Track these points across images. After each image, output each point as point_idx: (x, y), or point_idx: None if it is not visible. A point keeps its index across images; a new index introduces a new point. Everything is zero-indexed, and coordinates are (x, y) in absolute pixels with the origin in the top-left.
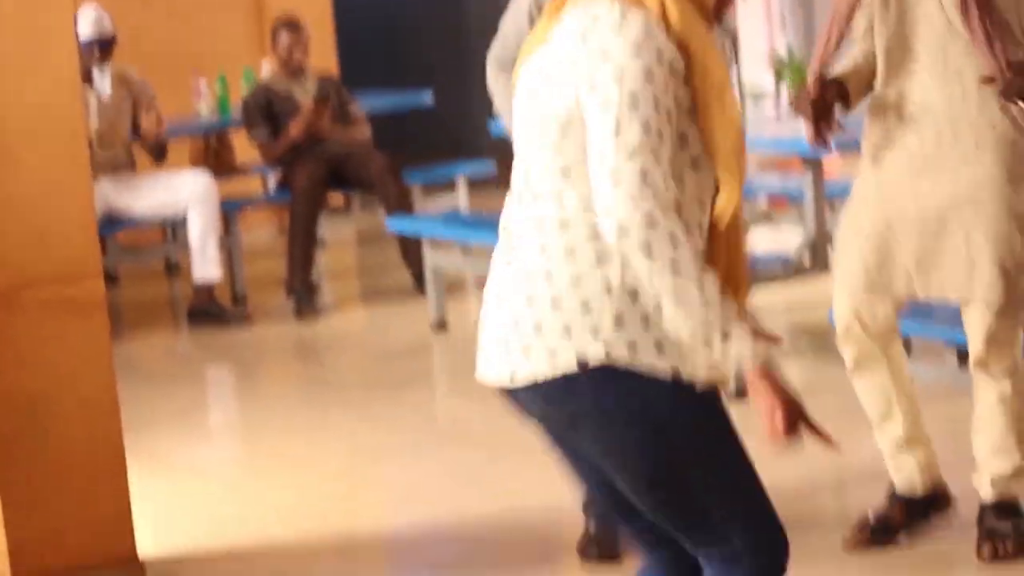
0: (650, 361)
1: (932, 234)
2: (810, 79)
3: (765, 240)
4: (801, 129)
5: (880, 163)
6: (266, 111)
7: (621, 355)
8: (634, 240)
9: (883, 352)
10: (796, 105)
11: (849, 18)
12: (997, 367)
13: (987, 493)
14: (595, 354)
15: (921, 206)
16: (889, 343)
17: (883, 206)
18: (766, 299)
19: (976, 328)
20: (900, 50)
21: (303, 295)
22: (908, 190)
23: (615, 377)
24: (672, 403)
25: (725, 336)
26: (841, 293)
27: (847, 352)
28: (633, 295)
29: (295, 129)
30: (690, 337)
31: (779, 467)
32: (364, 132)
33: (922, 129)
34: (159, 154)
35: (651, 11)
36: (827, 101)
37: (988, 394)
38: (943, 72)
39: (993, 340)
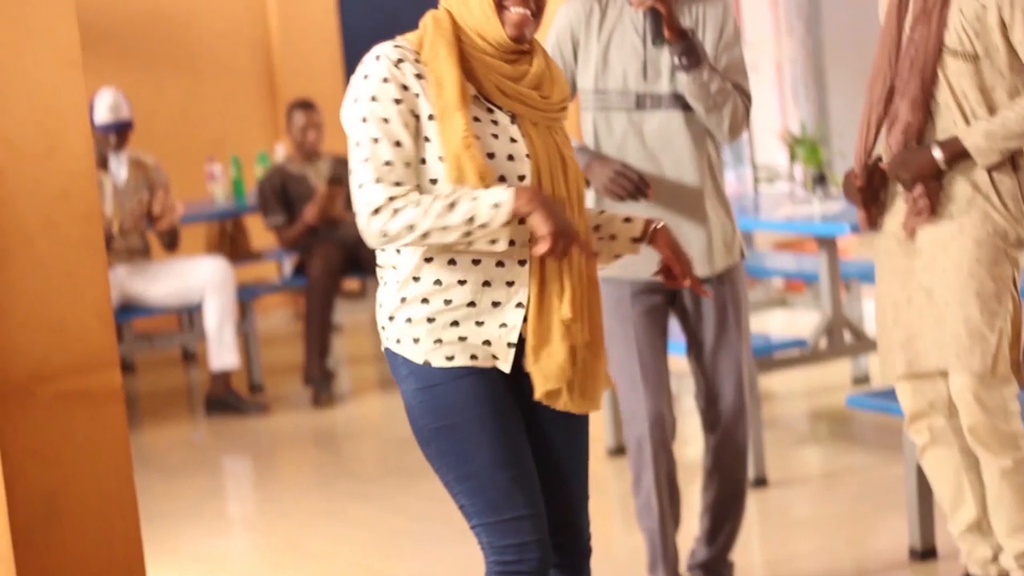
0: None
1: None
2: (856, 167)
3: (780, 323)
4: (814, 209)
5: (886, 235)
6: (281, 195)
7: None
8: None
9: (953, 429)
10: (846, 192)
11: (886, 103)
12: (993, 440)
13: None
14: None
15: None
16: (958, 419)
17: (899, 278)
18: (783, 384)
19: (961, 397)
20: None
21: (320, 383)
22: (905, 262)
23: (393, 360)
24: (414, 387)
25: (495, 207)
26: (888, 377)
27: (916, 434)
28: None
29: (310, 213)
30: (463, 235)
31: (802, 560)
32: None
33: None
34: (171, 242)
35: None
36: (874, 186)
37: (991, 469)
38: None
39: (983, 410)
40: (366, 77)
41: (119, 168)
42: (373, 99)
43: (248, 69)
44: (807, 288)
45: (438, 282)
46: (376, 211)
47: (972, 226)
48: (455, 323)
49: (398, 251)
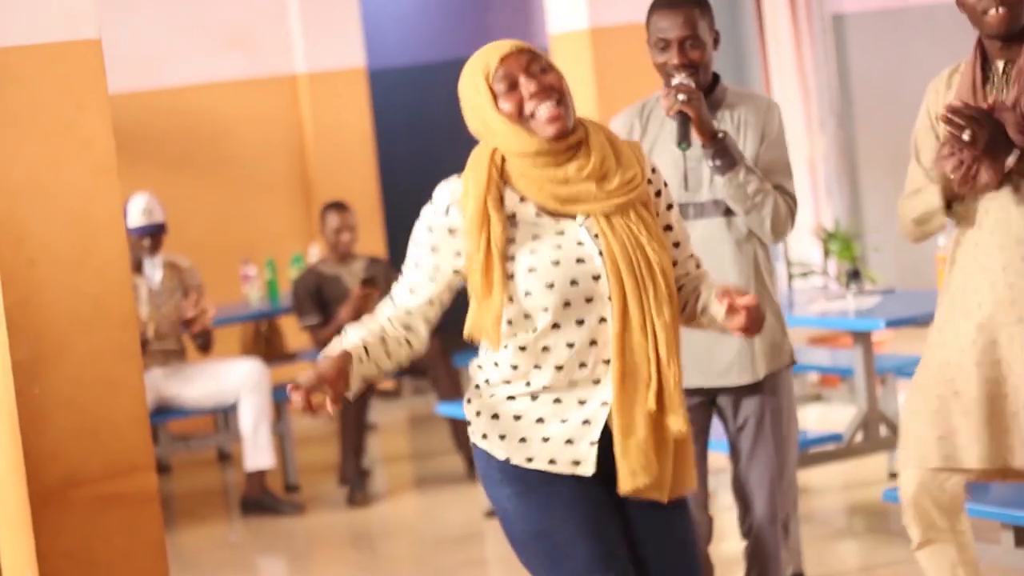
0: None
1: (999, 399)
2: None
3: (816, 418)
4: (848, 304)
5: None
6: (316, 296)
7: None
8: None
9: (951, 528)
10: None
11: None
12: None
13: None
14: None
15: (984, 372)
16: (957, 518)
17: (947, 370)
18: (819, 478)
19: None
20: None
21: (356, 482)
22: (970, 354)
23: (478, 455)
24: (505, 492)
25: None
26: (907, 465)
27: (913, 528)
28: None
29: (344, 314)
30: None
31: None
32: None
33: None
34: (204, 344)
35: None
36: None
37: None
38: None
39: None
40: (424, 218)
41: (154, 271)
42: (425, 233)
43: (282, 172)
44: (842, 383)
45: (526, 382)
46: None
47: None
48: (540, 420)
49: (486, 349)
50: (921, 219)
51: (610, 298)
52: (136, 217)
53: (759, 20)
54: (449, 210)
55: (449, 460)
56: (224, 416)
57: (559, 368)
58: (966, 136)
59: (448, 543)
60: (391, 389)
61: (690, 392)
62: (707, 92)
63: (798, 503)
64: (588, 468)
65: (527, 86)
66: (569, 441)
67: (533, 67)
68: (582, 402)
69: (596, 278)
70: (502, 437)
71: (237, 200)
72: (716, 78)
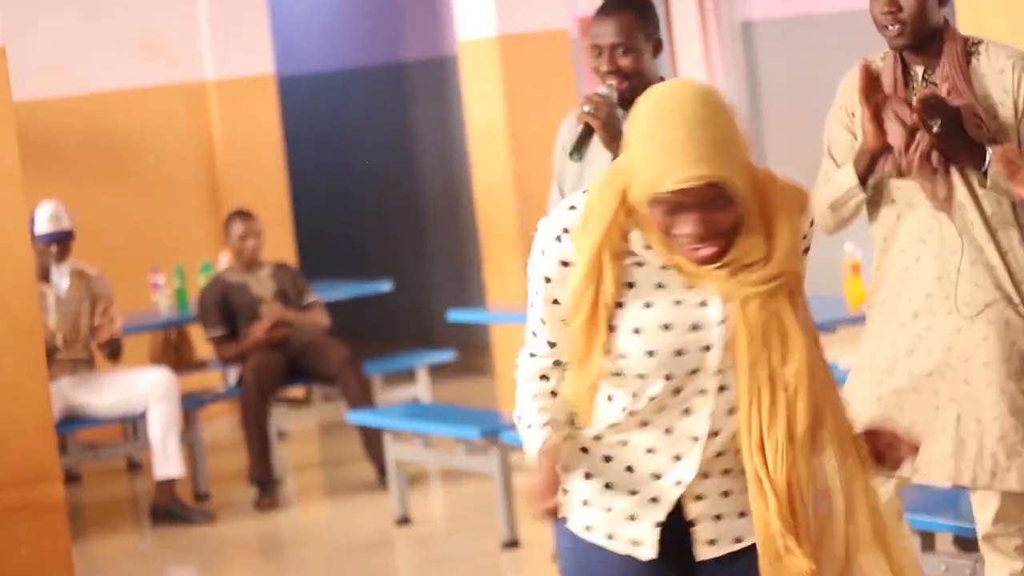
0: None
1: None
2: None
3: None
4: None
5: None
6: (222, 305)
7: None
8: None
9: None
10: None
11: None
12: (1007, 544)
13: None
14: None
15: (914, 375)
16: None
17: (884, 369)
18: None
19: (983, 505)
20: None
21: (264, 486)
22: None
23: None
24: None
25: (529, 426)
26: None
27: None
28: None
29: (253, 338)
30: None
31: None
32: (322, 318)
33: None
34: (113, 353)
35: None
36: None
37: (999, 571)
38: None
39: (1002, 517)
40: (538, 242)
41: (61, 279)
42: (541, 256)
43: (192, 179)
44: None
45: (596, 436)
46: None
47: (996, 337)
48: (608, 486)
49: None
50: (836, 203)
51: (718, 372)
52: (43, 224)
53: (668, 27)
54: (563, 236)
55: (359, 468)
56: (133, 425)
57: (644, 425)
58: (936, 128)
59: (358, 551)
60: (301, 397)
61: None
62: None
63: None
64: (647, 551)
65: (684, 226)
66: (632, 517)
67: (715, 202)
68: (657, 476)
69: (706, 349)
70: (564, 491)
71: (146, 207)
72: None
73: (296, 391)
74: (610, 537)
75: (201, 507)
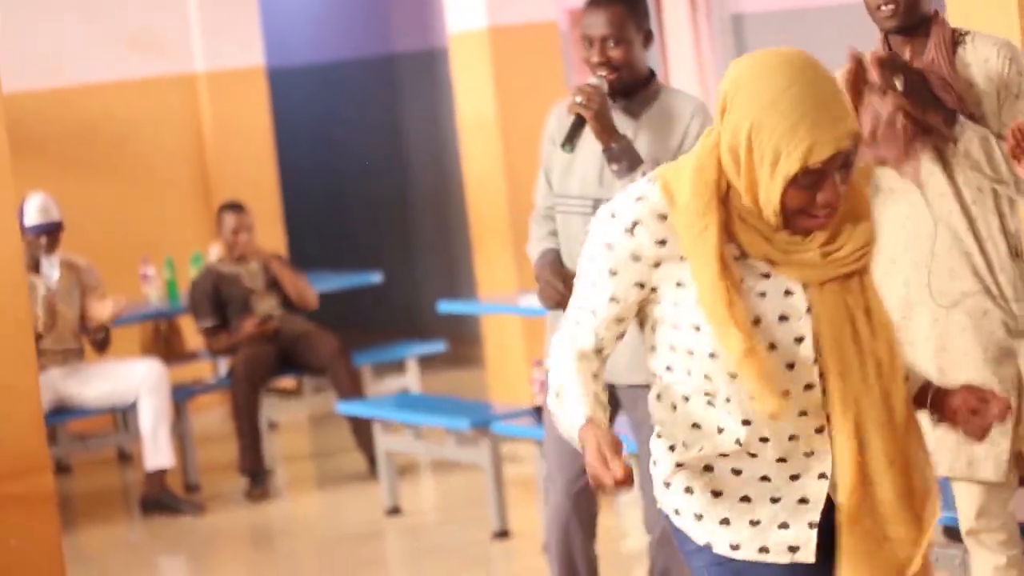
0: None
1: None
2: None
3: None
4: None
5: None
6: (213, 296)
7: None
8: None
9: None
10: None
11: None
12: (991, 539)
13: None
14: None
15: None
16: None
17: None
18: None
19: (965, 500)
20: None
21: (255, 477)
22: None
23: (675, 532)
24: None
25: (569, 402)
26: None
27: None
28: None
29: (245, 332)
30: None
31: None
32: (312, 297)
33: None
34: (101, 344)
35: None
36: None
37: (984, 565)
38: None
39: (984, 512)
40: (601, 233)
41: (51, 271)
42: (606, 249)
43: (182, 171)
44: None
45: (723, 454)
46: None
47: (974, 328)
48: (746, 498)
49: (674, 405)
50: None
51: (815, 362)
52: (32, 216)
53: (659, 20)
54: (636, 229)
55: (350, 458)
56: (123, 416)
57: (764, 441)
58: (899, 84)
59: (349, 541)
60: (291, 388)
61: None
62: (636, 90)
63: None
64: (808, 554)
65: (832, 191)
66: (784, 525)
67: (850, 160)
68: (794, 477)
69: (799, 340)
70: (699, 517)
71: (136, 199)
72: (651, 76)
73: (287, 382)
74: (763, 550)
75: (191, 498)
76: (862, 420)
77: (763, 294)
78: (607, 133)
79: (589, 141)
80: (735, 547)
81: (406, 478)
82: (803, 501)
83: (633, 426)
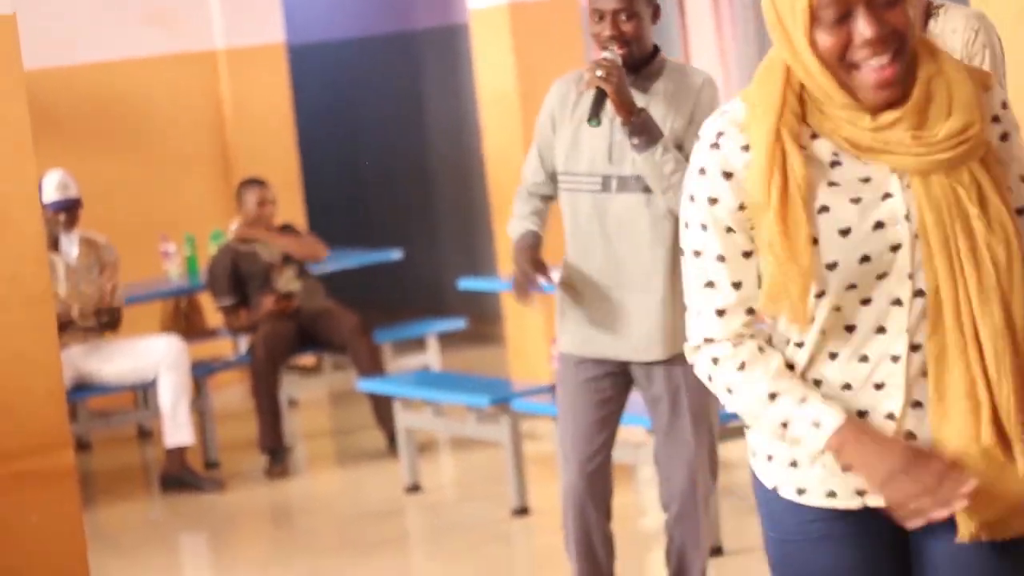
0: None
1: None
2: None
3: None
4: None
5: None
6: (232, 274)
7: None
8: None
9: None
10: None
11: None
12: None
13: None
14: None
15: None
16: None
17: None
18: (739, 452)
19: None
20: None
21: (275, 454)
22: None
23: (753, 479)
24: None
25: (816, 426)
26: None
27: None
28: None
29: (264, 309)
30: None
31: None
32: (321, 249)
33: None
34: (110, 323)
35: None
36: None
37: None
38: None
39: None
40: (692, 164)
41: (70, 248)
42: (691, 199)
43: (202, 148)
44: None
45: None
46: (697, 347)
47: None
48: None
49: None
50: None
51: (911, 276)
52: (51, 192)
53: (680, 2)
54: (719, 142)
55: (370, 436)
56: (144, 393)
57: (833, 357)
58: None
59: (369, 519)
60: (311, 365)
61: (601, 362)
62: (643, 65)
63: (718, 476)
64: (877, 499)
65: (864, 28)
66: (846, 467)
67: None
68: (862, 413)
69: (895, 248)
70: (770, 458)
71: (156, 176)
72: (656, 51)
73: (306, 359)
74: (831, 495)
75: (211, 475)
76: (983, 340)
77: (857, 200)
78: (627, 107)
79: (581, 120)
80: (801, 491)
81: (426, 455)
82: None
83: (648, 402)
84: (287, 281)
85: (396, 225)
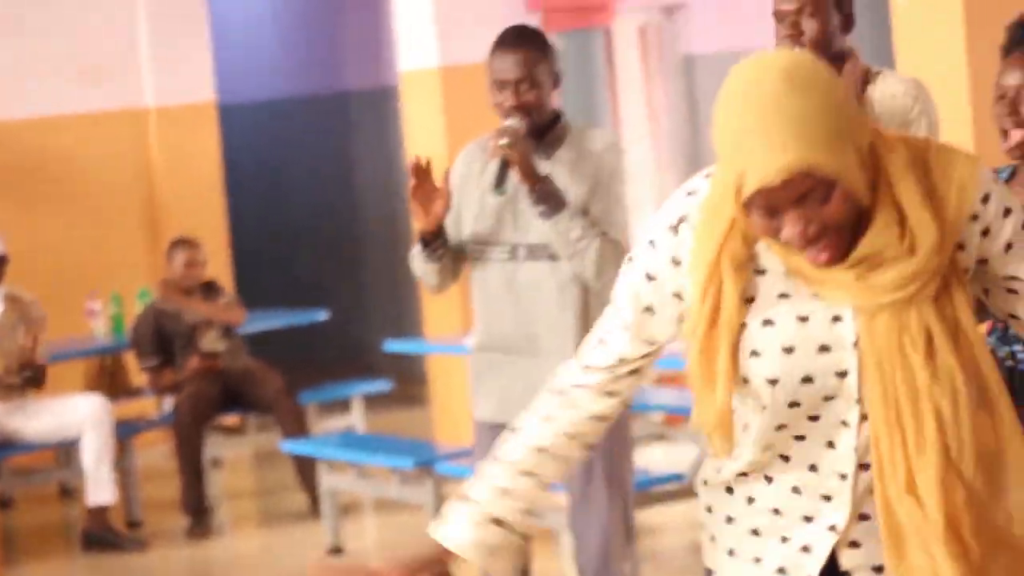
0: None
1: None
2: None
3: (660, 458)
4: None
5: None
6: (156, 335)
7: None
8: None
9: None
10: None
11: None
12: None
13: None
14: None
15: None
16: None
17: None
18: (662, 518)
19: None
20: None
21: (197, 514)
22: None
23: None
24: None
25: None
26: None
27: None
28: None
29: (182, 374)
30: None
31: None
32: (239, 313)
33: None
34: (33, 379)
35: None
36: None
37: None
38: None
39: None
40: (645, 233)
41: None
42: (631, 260)
43: (130, 206)
44: (686, 422)
45: (742, 474)
46: (569, 368)
47: None
48: (755, 532)
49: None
50: None
51: (859, 400)
52: None
53: (610, 60)
54: (679, 228)
55: (293, 497)
56: (67, 451)
57: (768, 480)
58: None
59: None
60: (235, 425)
61: None
62: (546, 131)
63: (636, 542)
64: None
65: (790, 229)
66: (781, 570)
67: (814, 195)
68: (808, 519)
69: (842, 375)
70: (712, 539)
71: (83, 233)
72: (558, 116)
73: (230, 420)
74: None
75: (133, 534)
76: (913, 486)
77: (804, 318)
78: (532, 175)
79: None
80: None
81: (349, 517)
82: (806, 550)
83: None
84: (211, 341)
85: (323, 285)
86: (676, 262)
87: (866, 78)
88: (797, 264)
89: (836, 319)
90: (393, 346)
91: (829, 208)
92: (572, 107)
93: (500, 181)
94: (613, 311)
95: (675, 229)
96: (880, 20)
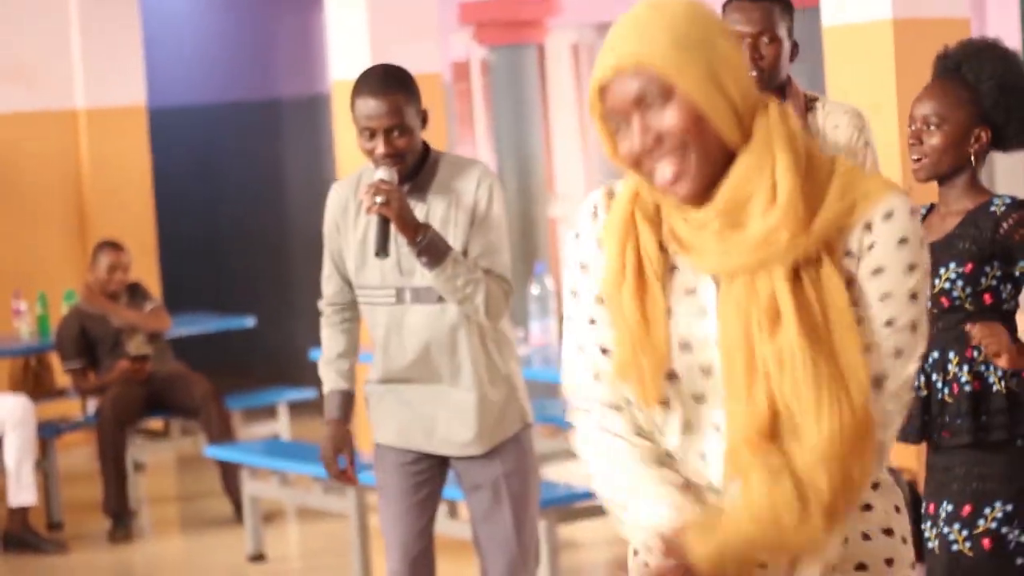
0: None
1: None
2: None
3: (583, 473)
4: None
5: None
6: (80, 337)
7: None
8: None
9: None
10: None
11: None
12: None
13: None
14: None
15: None
16: None
17: None
18: (584, 533)
19: None
20: None
21: (119, 518)
22: None
23: None
24: None
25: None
26: None
27: None
28: None
29: (111, 379)
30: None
31: None
32: (164, 320)
33: None
34: None
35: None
36: None
37: None
38: None
39: None
40: (572, 230)
41: None
42: (567, 263)
43: (58, 207)
44: None
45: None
46: (575, 411)
47: None
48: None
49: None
50: None
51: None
52: None
53: (543, 82)
54: (598, 213)
55: (216, 503)
56: None
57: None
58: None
59: None
60: (159, 429)
61: (419, 456)
62: (417, 170)
63: (538, 562)
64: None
65: (637, 134)
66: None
67: (649, 98)
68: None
69: (706, 371)
70: (635, 552)
71: (11, 233)
72: (426, 151)
73: (154, 423)
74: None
75: (54, 536)
76: (745, 466)
77: (677, 315)
78: (411, 229)
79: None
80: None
81: (272, 525)
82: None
83: (467, 490)
84: (137, 345)
85: (251, 292)
86: (601, 243)
87: (806, 105)
88: (678, 226)
89: (702, 313)
90: (319, 354)
91: (663, 116)
92: (505, 122)
93: (382, 244)
94: (570, 314)
95: (594, 215)
96: (813, 48)
